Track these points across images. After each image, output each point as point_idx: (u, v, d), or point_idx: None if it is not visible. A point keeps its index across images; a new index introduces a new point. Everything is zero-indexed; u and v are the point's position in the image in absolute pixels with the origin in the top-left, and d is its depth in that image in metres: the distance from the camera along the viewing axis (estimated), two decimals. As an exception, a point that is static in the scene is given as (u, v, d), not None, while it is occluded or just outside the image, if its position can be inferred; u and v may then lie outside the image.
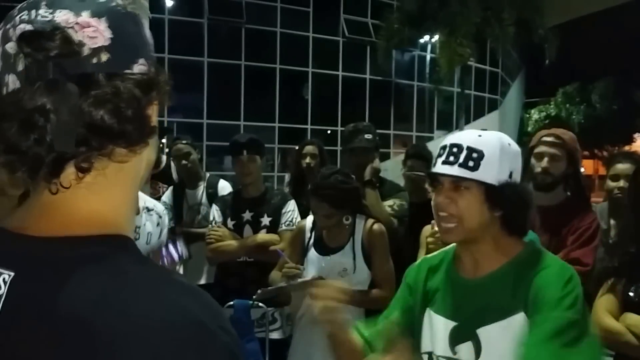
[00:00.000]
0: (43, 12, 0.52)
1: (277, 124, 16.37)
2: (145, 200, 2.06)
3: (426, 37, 16.73)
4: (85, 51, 0.52)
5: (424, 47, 18.45)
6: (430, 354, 1.19)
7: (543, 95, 25.41)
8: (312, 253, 2.20)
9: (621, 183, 2.28)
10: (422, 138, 18.80)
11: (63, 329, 0.47)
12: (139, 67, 0.54)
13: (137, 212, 2.00)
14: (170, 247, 1.83)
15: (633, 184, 1.82)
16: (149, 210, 2.08)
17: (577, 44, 21.22)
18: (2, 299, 0.50)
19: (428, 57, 18.69)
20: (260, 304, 2.35)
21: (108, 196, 0.54)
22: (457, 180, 1.13)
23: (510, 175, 1.13)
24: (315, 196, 2.11)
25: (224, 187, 3.31)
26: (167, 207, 3.32)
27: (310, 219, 2.28)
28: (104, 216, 0.54)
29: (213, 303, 0.53)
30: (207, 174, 3.49)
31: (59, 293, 0.48)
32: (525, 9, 14.19)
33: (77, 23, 0.52)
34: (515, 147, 1.18)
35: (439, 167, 1.15)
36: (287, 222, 2.50)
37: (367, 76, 17.97)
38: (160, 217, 2.08)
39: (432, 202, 1.19)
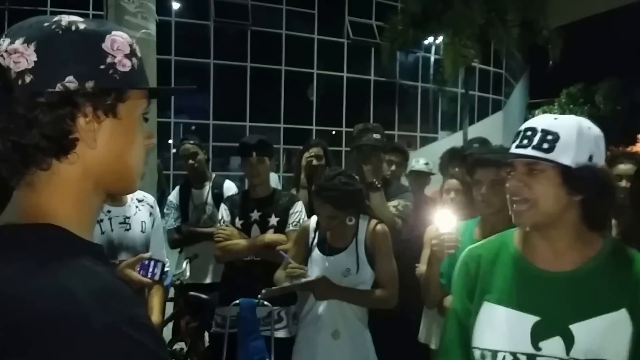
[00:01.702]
0: (1, 41, 0.62)
1: (282, 125, 16.40)
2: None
3: (430, 39, 16.70)
4: (12, 75, 0.60)
5: (428, 49, 18.44)
6: (495, 352, 1.10)
7: (547, 96, 25.33)
8: (316, 253, 2.20)
9: (623, 183, 2.28)
10: (426, 139, 18.80)
11: None
12: (65, 85, 0.61)
13: (123, 204, 2.06)
14: (150, 265, 1.88)
15: (634, 184, 1.83)
16: (139, 201, 2.13)
17: (581, 45, 21.14)
18: None
19: (432, 59, 18.68)
20: (266, 303, 2.37)
21: (44, 193, 0.63)
22: (531, 163, 1.07)
23: (591, 159, 1.07)
24: (319, 197, 2.12)
25: (230, 188, 3.34)
26: (173, 206, 3.36)
27: (314, 219, 2.28)
28: (38, 208, 0.63)
29: (106, 285, 0.58)
30: (214, 174, 3.51)
31: None
32: (529, 10, 14.14)
33: (6, 50, 0.61)
34: (596, 130, 1.10)
35: (513, 151, 1.10)
36: (295, 223, 2.51)
37: (372, 77, 17.98)
38: (152, 207, 2.14)
39: (507, 187, 1.13)
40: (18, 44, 0.61)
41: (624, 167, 2.36)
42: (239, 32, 15.98)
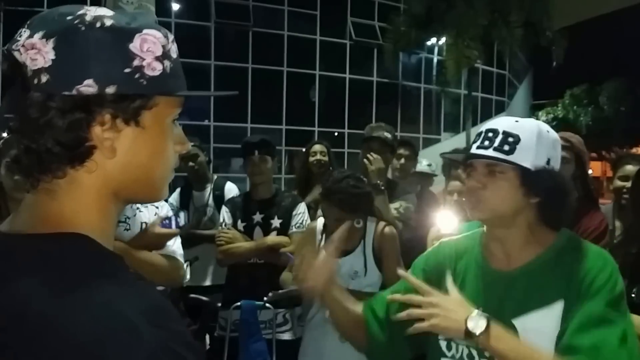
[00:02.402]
0: (21, 32, 0.57)
1: (284, 127, 16.39)
2: None
3: (433, 40, 16.69)
4: (29, 72, 0.55)
5: (431, 50, 18.42)
6: (457, 344, 1.15)
7: (550, 97, 25.27)
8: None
9: (629, 184, 2.29)
10: (429, 140, 18.75)
11: None
12: (84, 89, 0.55)
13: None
14: (171, 220, 1.93)
15: (635, 185, 1.82)
16: None
17: (584, 46, 21.10)
18: None
19: (435, 60, 18.64)
20: (268, 305, 2.35)
21: (65, 201, 0.59)
22: (491, 164, 1.09)
23: (548, 162, 1.09)
24: (327, 200, 2.11)
25: (231, 190, 3.32)
26: (173, 208, 3.35)
27: (320, 221, 2.27)
28: (61, 217, 0.58)
29: (148, 299, 0.55)
30: (215, 176, 3.50)
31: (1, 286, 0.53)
32: (532, 11, 14.11)
33: (23, 45, 0.56)
34: (553, 134, 1.13)
35: (474, 151, 1.12)
36: (298, 224, 2.50)
37: (374, 79, 17.96)
38: (157, 207, 2.09)
39: (465, 187, 1.16)
40: (37, 38, 0.55)
41: (631, 168, 2.35)
42: (240, 33, 15.98)
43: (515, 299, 1.10)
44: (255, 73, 16.04)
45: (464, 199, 1.16)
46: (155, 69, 0.59)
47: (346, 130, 17.06)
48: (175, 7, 15.34)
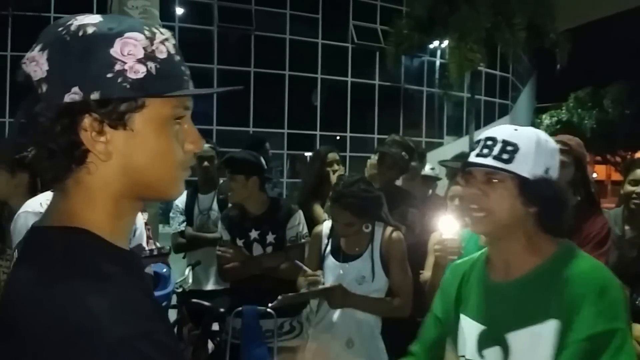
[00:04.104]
0: (33, 46, 0.61)
1: (286, 130, 16.41)
2: None
3: (436, 43, 16.67)
4: (34, 83, 0.60)
5: (433, 53, 18.42)
6: (463, 357, 1.17)
7: (554, 100, 25.26)
8: (330, 260, 2.18)
9: (639, 188, 2.28)
10: (431, 144, 18.73)
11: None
12: (71, 96, 0.59)
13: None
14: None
15: None
16: None
17: (588, 49, 21.08)
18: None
19: (438, 63, 18.65)
20: (269, 310, 2.34)
21: (74, 199, 0.63)
22: (490, 173, 1.09)
23: (547, 172, 1.09)
24: (338, 204, 2.10)
25: (235, 195, 3.31)
26: (179, 210, 3.37)
27: (326, 225, 2.26)
28: (71, 213, 0.63)
29: (120, 296, 0.58)
30: (220, 180, 3.52)
31: (13, 274, 0.62)
32: (536, 14, 14.07)
33: (27, 58, 0.61)
34: (552, 144, 1.13)
35: (472, 159, 1.12)
36: (292, 238, 2.49)
37: (377, 82, 17.97)
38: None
39: (464, 195, 1.16)
40: (36, 51, 0.60)
41: None
42: (242, 37, 16.04)
43: (508, 313, 1.10)
44: (257, 77, 16.07)
45: (468, 207, 1.15)
46: (138, 71, 0.60)
47: (348, 134, 17.06)
48: (179, 11, 15.41)
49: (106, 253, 0.61)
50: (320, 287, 2.05)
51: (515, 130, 1.12)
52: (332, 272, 2.15)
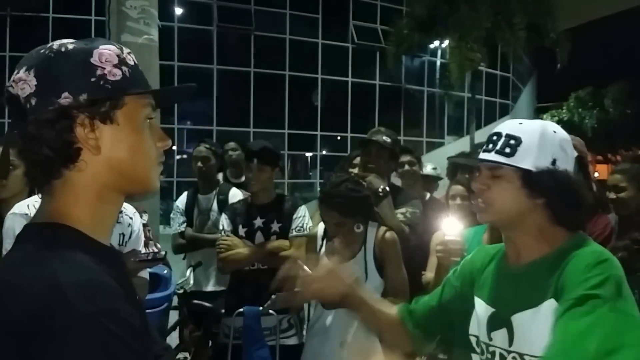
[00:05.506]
0: (15, 73, 0.71)
1: (286, 131, 16.40)
2: None
3: (436, 43, 16.68)
4: (22, 101, 0.70)
5: (434, 53, 18.41)
6: (477, 337, 1.20)
7: (555, 99, 25.26)
8: (324, 261, 2.18)
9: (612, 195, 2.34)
10: (432, 144, 18.73)
11: None
12: (62, 101, 0.69)
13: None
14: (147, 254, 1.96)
15: None
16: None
17: (589, 48, 21.07)
18: None
19: (438, 63, 18.64)
20: (271, 311, 2.33)
21: (60, 198, 0.72)
22: (493, 167, 1.12)
23: (554, 163, 1.09)
24: (325, 204, 2.10)
25: (235, 195, 3.30)
26: (179, 211, 3.37)
27: (321, 226, 2.26)
28: (56, 211, 0.72)
29: (89, 277, 0.64)
30: (221, 181, 3.51)
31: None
32: (536, 13, 14.07)
33: (14, 80, 0.70)
34: (561, 135, 1.13)
35: (480, 155, 1.15)
36: (298, 228, 2.48)
37: (377, 82, 17.96)
38: (130, 218, 2.06)
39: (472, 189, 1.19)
40: (22, 72, 0.70)
41: None
42: (242, 37, 16.03)
43: (514, 296, 1.13)
44: (257, 77, 16.07)
45: (472, 202, 1.15)
46: (115, 74, 0.72)
47: (349, 134, 17.05)
48: (179, 11, 15.40)
49: (81, 243, 0.69)
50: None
51: (520, 124, 1.14)
52: None
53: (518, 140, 1.10)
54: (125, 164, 0.73)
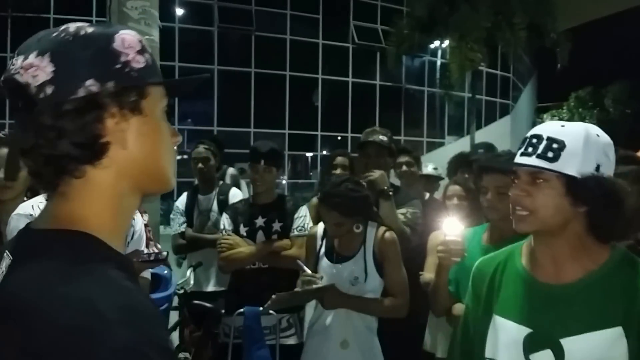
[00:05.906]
0: (14, 61, 0.62)
1: (287, 131, 16.39)
2: None
3: (436, 43, 16.66)
4: (33, 90, 0.60)
5: (434, 53, 18.40)
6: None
7: (555, 99, 25.24)
8: (324, 261, 2.19)
9: None
10: (433, 144, 18.72)
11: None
12: (87, 89, 0.60)
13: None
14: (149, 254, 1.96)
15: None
16: None
17: (589, 48, 21.05)
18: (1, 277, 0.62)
19: (438, 63, 18.64)
20: (271, 311, 2.33)
21: (78, 200, 0.63)
22: (535, 172, 1.05)
23: (598, 168, 1.03)
24: (325, 205, 2.10)
25: (235, 195, 3.32)
26: (179, 211, 3.37)
27: (321, 226, 2.26)
28: (70, 215, 0.63)
29: (127, 300, 0.56)
30: (221, 181, 3.52)
31: (8, 275, 0.60)
32: (536, 13, 14.04)
33: (22, 67, 0.61)
34: (604, 139, 1.07)
35: (517, 159, 1.08)
36: (299, 228, 2.49)
37: (377, 82, 17.96)
38: (133, 218, 2.06)
39: (510, 195, 1.12)
40: (32, 58, 0.61)
41: None
42: (242, 38, 16.03)
43: (566, 318, 1.06)
44: (258, 77, 16.07)
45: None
46: (139, 61, 0.65)
47: (349, 135, 17.04)
48: (179, 12, 15.40)
49: (107, 256, 0.61)
50: (314, 286, 2.05)
51: (562, 126, 1.07)
52: (326, 273, 2.15)
53: (561, 144, 1.03)
54: (149, 158, 0.66)
